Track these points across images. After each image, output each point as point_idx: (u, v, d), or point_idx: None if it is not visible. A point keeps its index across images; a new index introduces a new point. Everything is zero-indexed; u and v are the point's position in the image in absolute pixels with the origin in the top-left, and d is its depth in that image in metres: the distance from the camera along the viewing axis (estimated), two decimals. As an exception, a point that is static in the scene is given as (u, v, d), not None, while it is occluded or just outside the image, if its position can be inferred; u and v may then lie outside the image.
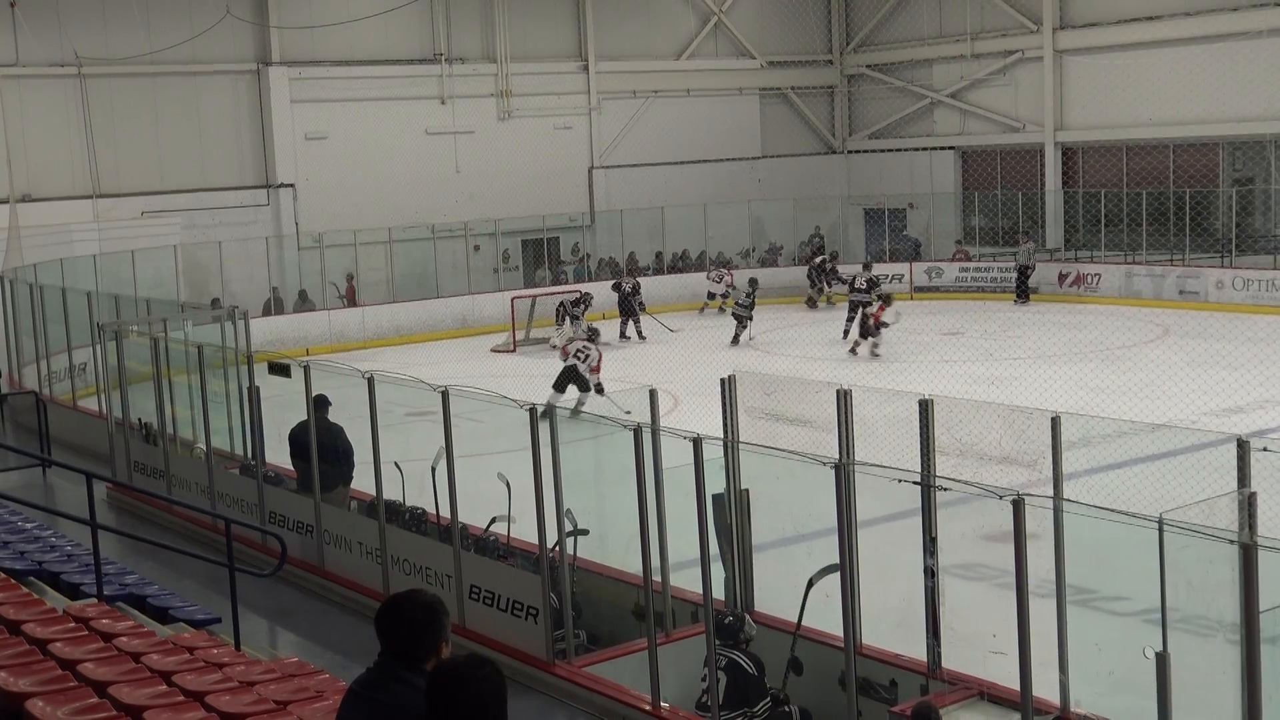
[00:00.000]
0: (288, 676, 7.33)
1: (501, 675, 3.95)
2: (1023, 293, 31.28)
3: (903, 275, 33.17)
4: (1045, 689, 7.62)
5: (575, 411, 19.87)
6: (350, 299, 30.51)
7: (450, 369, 22.45)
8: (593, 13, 34.67)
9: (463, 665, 3.95)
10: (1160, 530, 6.12)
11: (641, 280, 30.02)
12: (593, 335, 21.89)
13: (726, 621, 9.08)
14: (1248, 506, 6.79)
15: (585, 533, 10.41)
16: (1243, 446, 7.32)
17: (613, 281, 29.96)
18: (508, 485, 10.45)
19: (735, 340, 26.68)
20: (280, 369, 12.86)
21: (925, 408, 8.54)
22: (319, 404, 12.43)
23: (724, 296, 30.55)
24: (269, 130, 30.71)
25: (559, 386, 20.47)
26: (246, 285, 29.01)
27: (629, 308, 28.59)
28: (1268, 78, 29.54)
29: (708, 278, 32.05)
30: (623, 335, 28.25)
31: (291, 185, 30.97)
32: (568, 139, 34.74)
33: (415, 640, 4.36)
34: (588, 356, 20.66)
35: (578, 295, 28.04)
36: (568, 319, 27.70)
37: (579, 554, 10.45)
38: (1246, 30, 29.83)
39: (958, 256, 33.91)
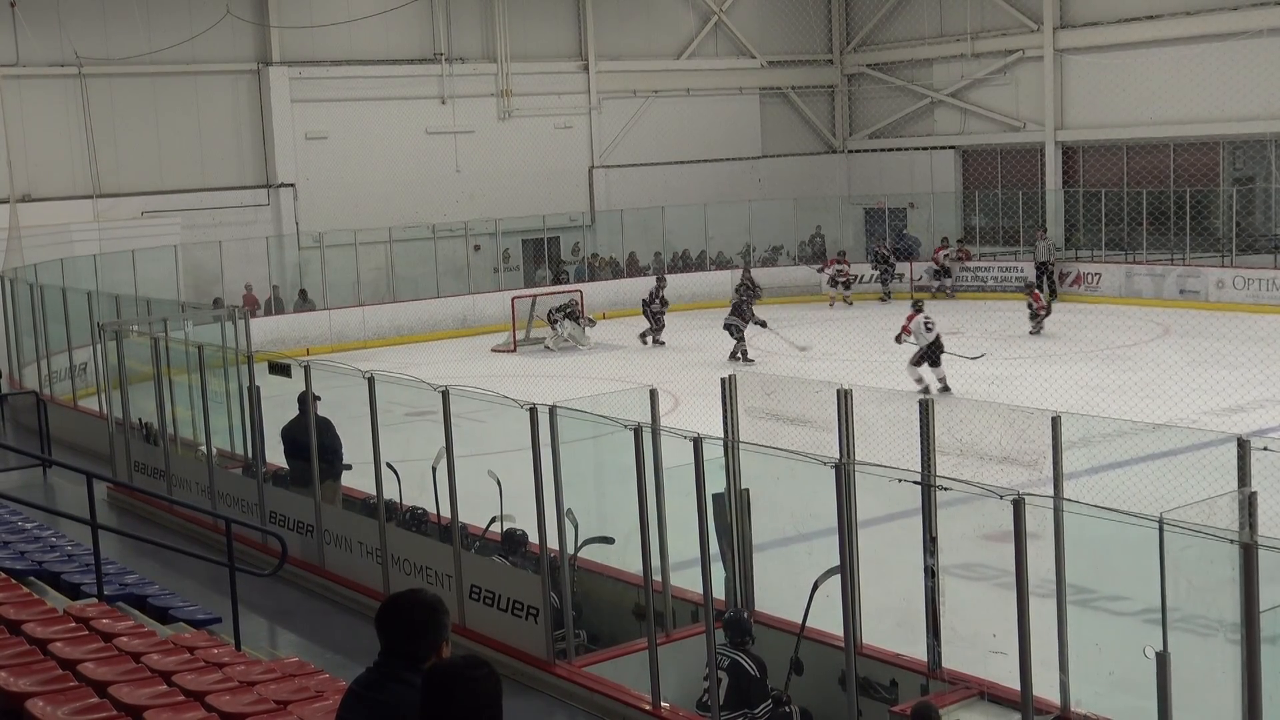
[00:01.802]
0: (288, 676, 7.32)
1: (497, 677, 3.92)
2: (1051, 290, 31.07)
3: (903, 274, 33.20)
4: (1045, 689, 7.62)
5: (943, 389, 20.21)
6: (250, 308, 28.27)
7: (450, 369, 22.41)
8: (593, 12, 34.66)
9: (458, 666, 3.93)
10: (1160, 530, 6.11)
11: (646, 280, 29.21)
12: (918, 305, 22.18)
13: (744, 618, 9.08)
14: (1248, 506, 6.78)
15: (610, 541, 10.39)
16: (1243, 446, 7.31)
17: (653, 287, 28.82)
18: (499, 483, 10.44)
19: (739, 356, 24.68)
20: (281, 369, 12.85)
21: (925, 407, 8.54)
22: (306, 399, 12.40)
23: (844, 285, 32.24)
24: (269, 130, 30.71)
25: (934, 363, 20.97)
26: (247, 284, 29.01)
27: (646, 313, 27.69)
28: (1268, 77, 29.53)
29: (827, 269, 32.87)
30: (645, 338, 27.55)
31: (292, 185, 30.98)
32: (568, 139, 34.74)
33: (415, 640, 4.36)
34: (934, 325, 21.09)
35: (566, 301, 27.85)
36: (565, 319, 27.61)
37: (580, 554, 10.46)
38: (1246, 30, 29.81)
39: (959, 256, 33.87)
